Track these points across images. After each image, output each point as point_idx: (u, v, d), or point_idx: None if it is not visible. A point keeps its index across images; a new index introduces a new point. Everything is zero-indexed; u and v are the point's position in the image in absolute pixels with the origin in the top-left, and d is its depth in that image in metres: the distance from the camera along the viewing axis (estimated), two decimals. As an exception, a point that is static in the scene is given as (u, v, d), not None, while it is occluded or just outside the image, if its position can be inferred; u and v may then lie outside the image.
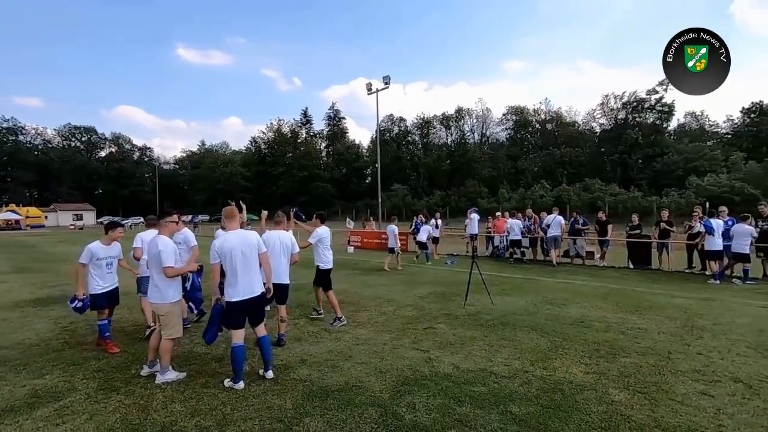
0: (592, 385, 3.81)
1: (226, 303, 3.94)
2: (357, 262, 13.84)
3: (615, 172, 46.58)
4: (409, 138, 65.94)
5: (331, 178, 63.95)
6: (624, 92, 50.76)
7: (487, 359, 4.51)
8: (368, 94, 26.33)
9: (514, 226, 13.25)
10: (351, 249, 17.63)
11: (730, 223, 9.60)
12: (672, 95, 46.38)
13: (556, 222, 12.54)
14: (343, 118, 73.43)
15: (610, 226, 12.18)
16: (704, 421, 3.17)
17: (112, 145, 78.01)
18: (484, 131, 64.89)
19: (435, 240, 15.12)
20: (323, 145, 73.81)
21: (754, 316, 6.18)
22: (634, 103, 49.89)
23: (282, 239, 5.15)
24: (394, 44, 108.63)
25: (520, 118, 61.68)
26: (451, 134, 64.65)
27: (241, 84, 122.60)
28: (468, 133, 64.46)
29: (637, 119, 49.47)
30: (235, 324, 3.95)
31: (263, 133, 72.67)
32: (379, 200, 28.01)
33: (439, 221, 15.81)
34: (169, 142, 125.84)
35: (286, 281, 5.18)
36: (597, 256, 12.69)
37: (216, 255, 3.92)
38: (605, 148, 51.05)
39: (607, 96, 52.72)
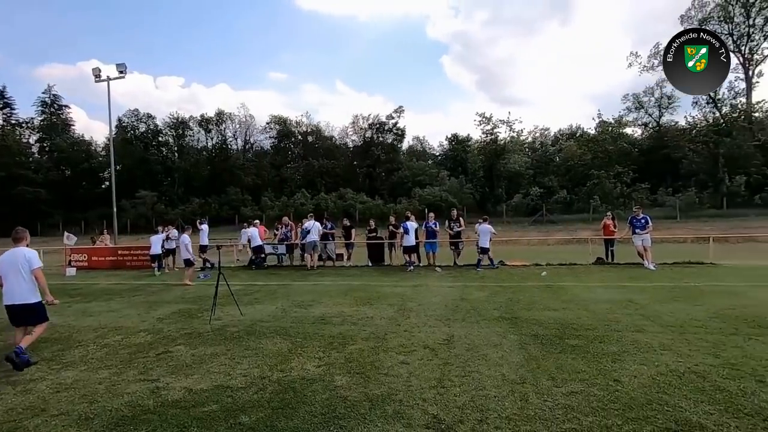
0: (321, 377, 4.21)
1: None
2: (79, 286, 11.17)
3: (364, 183, 53.74)
4: (161, 138, 58.17)
5: (47, 181, 49.49)
6: (369, 114, 59.32)
7: (225, 374, 4.36)
8: (96, 81, 21.64)
9: (254, 234, 13.68)
10: (72, 271, 14.08)
11: (433, 224, 12.52)
12: (404, 121, 57.25)
13: (314, 228, 13.46)
14: (67, 106, 58.34)
15: (353, 230, 13.95)
16: (399, 384, 3.95)
17: None
18: (247, 138, 63.71)
19: (168, 252, 14.30)
20: (34, 138, 56.65)
21: (443, 295, 8.21)
22: (377, 125, 58.95)
23: (17, 255, 4.87)
24: (144, 31, 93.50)
25: (283, 128, 63.53)
26: (212, 138, 60.67)
27: None
28: (230, 139, 61.91)
29: (380, 139, 58.66)
30: None
31: None
32: (114, 209, 23.42)
33: (175, 232, 14.86)
34: None
35: (31, 300, 4.88)
36: (345, 257, 14.28)
37: None
38: (357, 162, 58.32)
39: (357, 116, 60.46)
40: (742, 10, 38.29)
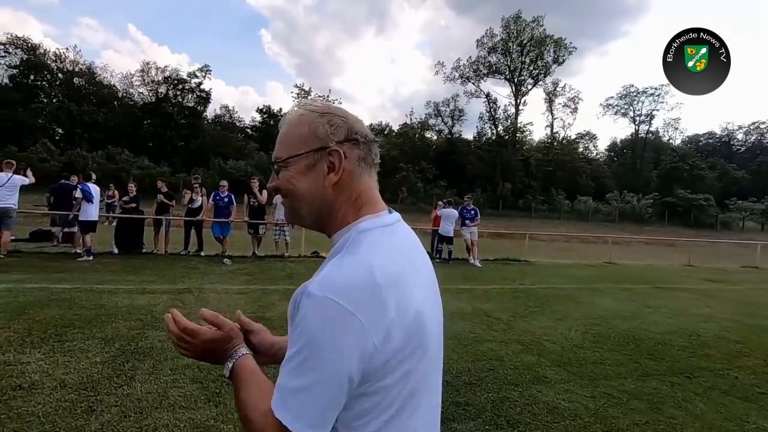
0: None
1: None
2: None
3: (152, 146, 43.77)
4: None
5: None
6: (167, 66, 48.69)
7: None
8: None
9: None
10: None
11: (226, 197, 8.83)
12: (210, 84, 48.93)
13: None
14: None
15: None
16: None
17: None
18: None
19: None
20: None
21: (224, 311, 4.86)
22: (176, 81, 48.77)
23: None
24: None
25: (30, 57, 46.15)
26: None
27: None
28: None
29: (178, 99, 48.75)
30: None
31: None
32: None
33: None
34: None
35: None
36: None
37: None
38: (145, 120, 47.10)
39: (148, 64, 48.68)
40: (518, 48, 46.21)
